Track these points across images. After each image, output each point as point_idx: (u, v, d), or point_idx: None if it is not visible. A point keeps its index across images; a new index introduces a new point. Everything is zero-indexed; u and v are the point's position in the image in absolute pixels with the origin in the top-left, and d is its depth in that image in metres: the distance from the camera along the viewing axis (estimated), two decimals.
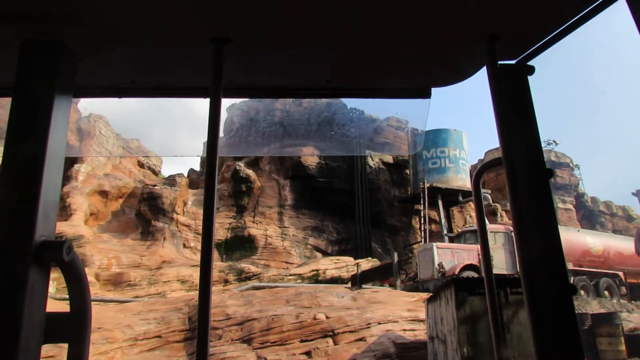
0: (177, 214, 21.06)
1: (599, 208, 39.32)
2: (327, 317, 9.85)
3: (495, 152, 33.71)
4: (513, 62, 1.55)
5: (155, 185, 21.73)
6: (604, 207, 39.91)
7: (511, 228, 17.99)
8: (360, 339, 9.46)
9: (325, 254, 22.34)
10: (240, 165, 23.10)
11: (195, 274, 15.98)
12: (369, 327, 9.68)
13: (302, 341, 9.39)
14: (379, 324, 9.89)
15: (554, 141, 43.67)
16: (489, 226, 18.33)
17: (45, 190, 1.07)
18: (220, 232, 21.65)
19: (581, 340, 1.23)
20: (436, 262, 16.72)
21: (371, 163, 24.76)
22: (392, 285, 16.60)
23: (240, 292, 12.62)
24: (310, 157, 22.67)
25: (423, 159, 23.55)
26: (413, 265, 15.99)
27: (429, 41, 1.49)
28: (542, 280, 1.25)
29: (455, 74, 1.70)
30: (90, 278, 14.68)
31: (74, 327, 1.03)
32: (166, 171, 36.65)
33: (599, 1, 1.27)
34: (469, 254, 17.48)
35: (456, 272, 16.02)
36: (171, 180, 22.37)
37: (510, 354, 8.43)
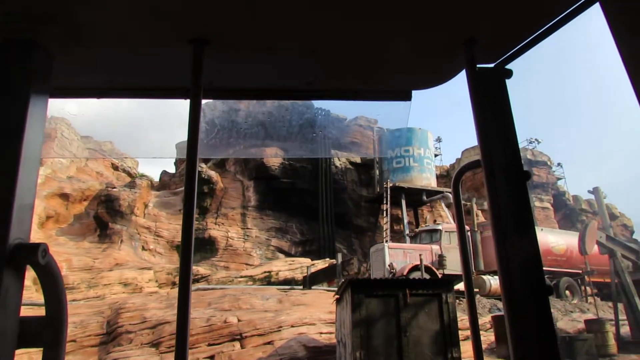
0: (136, 216, 20.90)
1: (580, 206, 38.96)
2: (238, 320, 9.66)
3: (472, 151, 33.47)
4: (491, 65, 1.58)
5: (114, 188, 21.57)
6: (587, 206, 39.54)
7: (468, 227, 17.73)
8: (269, 343, 9.27)
9: (288, 255, 22.15)
10: (203, 166, 22.93)
11: (140, 277, 15.82)
12: (279, 331, 9.48)
13: (209, 345, 9.20)
14: (292, 327, 9.69)
15: (535, 140, 43.44)
16: (445, 225, 18.10)
17: (20, 192, 1.06)
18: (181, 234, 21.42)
19: (557, 341, 1.25)
20: (387, 262, 16.51)
21: (337, 163, 24.56)
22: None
23: (167, 295, 12.44)
24: (273, 157, 22.48)
25: (388, 158, 23.35)
26: (354, 266, 15.77)
27: (409, 45, 1.51)
28: (520, 281, 1.27)
29: (435, 77, 1.72)
30: (28, 282, 14.53)
31: (49, 331, 1.02)
32: (145, 173, 36.43)
33: (574, 6, 1.30)
34: (421, 254, 17.26)
35: (404, 273, 15.82)
36: (131, 183, 22.21)
37: (407, 358, 8.22)
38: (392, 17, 1.37)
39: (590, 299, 18.35)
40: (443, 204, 23.07)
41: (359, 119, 26.40)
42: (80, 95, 1.66)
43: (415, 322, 8.33)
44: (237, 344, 9.17)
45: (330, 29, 1.43)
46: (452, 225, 18.99)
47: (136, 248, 20.25)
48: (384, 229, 21.29)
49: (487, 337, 12.41)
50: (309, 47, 1.50)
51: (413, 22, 1.40)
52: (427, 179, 23.08)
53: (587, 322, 12.65)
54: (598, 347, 12.04)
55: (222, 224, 21.98)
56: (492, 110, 1.45)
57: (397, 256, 16.81)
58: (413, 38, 1.48)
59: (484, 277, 17.42)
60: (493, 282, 17.24)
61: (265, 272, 17.64)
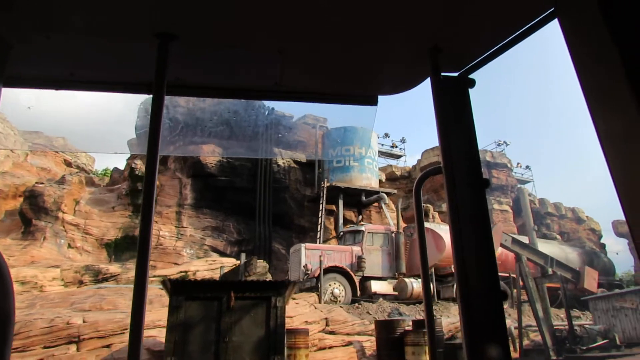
0: (64, 212, 20.39)
1: (547, 209, 38.58)
2: (83, 322, 9.18)
3: (431, 152, 33.06)
4: (455, 74, 1.61)
5: (41, 183, 21.07)
6: (553, 209, 39.19)
7: (392, 229, 17.28)
8: (107, 346, 8.79)
9: (223, 254, 21.68)
10: (137, 163, 22.45)
11: (42, 275, 15.31)
12: (123, 333, 9.00)
13: (45, 347, 8.71)
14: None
15: (504, 142, 43.04)
16: (368, 226, 17.66)
17: None
18: (111, 232, 20.98)
19: (509, 345, 1.27)
20: (302, 263, 16.06)
21: (280, 162, 24.08)
22: None
23: (45, 293, 11.96)
24: (210, 156, 22.01)
25: (328, 156, 22.90)
26: (254, 267, 15.30)
27: (375, 50, 1.54)
28: (475, 286, 1.30)
29: (401, 83, 1.76)
30: None
31: None
32: (107, 168, 36.11)
33: (534, 21, 1.36)
34: (340, 255, 16.79)
35: (316, 275, 15.36)
36: (61, 179, 21.72)
37: None
38: (358, 22, 1.39)
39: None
40: (384, 206, 22.62)
41: (307, 117, 25.92)
42: (37, 86, 1.60)
43: (238, 327, 7.85)
44: (73, 347, 8.68)
45: (297, 30, 1.43)
46: (376, 226, 18.56)
47: (61, 246, 19.74)
48: (318, 229, 20.84)
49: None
50: (276, 47, 1.50)
51: (378, 29, 1.43)
52: (367, 179, 22.63)
53: None
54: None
55: (156, 222, 21.46)
56: (455, 119, 1.48)
57: (314, 257, 16.36)
58: (378, 44, 1.51)
59: (407, 280, 16.98)
60: (415, 285, 16.80)
61: (181, 271, 17.17)
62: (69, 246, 20.01)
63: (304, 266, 15.91)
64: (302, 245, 16.49)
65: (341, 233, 18.56)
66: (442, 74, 1.53)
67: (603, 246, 40.38)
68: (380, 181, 28.82)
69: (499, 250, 19.83)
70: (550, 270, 13.32)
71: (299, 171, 24.70)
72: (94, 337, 8.84)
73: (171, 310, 7.65)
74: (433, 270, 16.47)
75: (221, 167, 22.60)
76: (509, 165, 34.13)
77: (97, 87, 1.65)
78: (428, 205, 31.84)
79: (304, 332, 9.01)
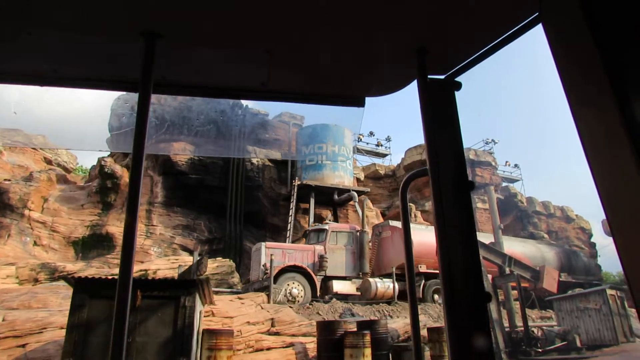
0: (30, 210, 20.14)
1: (535, 208, 38.09)
2: (2, 320, 8.88)
3: (414, 150, 32.67)
4: (442, 77, 1.64)
5: (8, 180, 20.82)
6: (541, 208, 38.69)
7: (357, 227, 16.93)
8: (23, 345, 8.49)
9: (193, 253, 21.38)
10: (106, 160, 22.18)
11: (0, 272, 15.06)
12: (41, 332, 8.70)
13: None
14: (62, 328, 8.89)
15: (492, 140, 42.55)
16: (332, 225, 17.32)
17: None
18: (79, 230, 20.70)
19: (492, 346, 1.41)
20: (262, 262, 15.75)
21: (254, 160, 23.76)
22: None
23: None
24: (182, 154, 21.72)
25: (302, 154, 22.57)
26: (204, 266, 14.94)
27: (362, 52, 1.58)
28: (460, 287, 1.33)
29: (389, 85, 1.77)
30: None
31: None
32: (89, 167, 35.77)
33: (519, 25, 1.41)
34: (302, 254, 16.46)
35: (273, 274, 15.03)
36: (29, 176, 21.46)
37: None
38: (345, 24, 1.40)
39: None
40: (356, 204, 22.26)
41: (282, 115, 25.63)
42: (20, 82, 1.59)
43: (143, 327, 7.51)
44: None
45: (285, 31, 1.44)
46: (340, 225, 18.21)
47: (26, 243, 19.48)
48: (288, 228, 20.51)
49: None
50: (263, 47, 1.50)
51: (366, 31, 1.44)
52: (340, 178, 22.27)
53: (429, 330, 11.84)
54: (435, 357, 11.25)
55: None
56: (441, 121, 1.49)
57: (274, 256, 16.01)
58: (366, 46, 1.52)
59: (371, 280, 16.63)
60: (380, 285, 16.46)
61: (141, 270, 16.86)
62: (35, 244, 19.74)
63: (263, 265, 15.59)
64: (263, 244, 16.17)
65: (306, 232, 18.21)
66: (429, 76, 1.54)
67: (593, 245, 39.89)
68: (358, 179, 28.47)
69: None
70: (507, 270, 12.95)
71: (273, 169, 24.38)
72: (9, 337, 8.53)
73: (73, 309, 7.33)
74: (394, 269, 16.11)
75: (192, 165, 22.30)
76: (493, 163, 33.70)
77: (82, 85, 1.64)
78: (410, 204, 31.49)
79: (227, 333, 8.68)
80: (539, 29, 1.34)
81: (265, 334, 11.57)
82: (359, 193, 22.64)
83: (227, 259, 19.14)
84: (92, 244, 20.37)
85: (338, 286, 16.25)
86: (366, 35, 1.48)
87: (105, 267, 18.44)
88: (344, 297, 16.41)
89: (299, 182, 21.39)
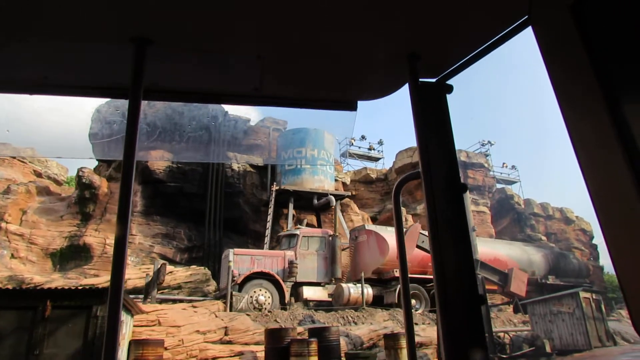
0: (7, 222, 20.11)
1: (532, 210, 37.31)
2: None
3: (404, 153, 32.22)
4: (433, 80, 1.65)
5: None
6: (539, 209, 37.90)
7: (329, 232, 16.58)
8: None
9: (172, 262, 21.15)
10: (84, 171, 22.13)
11: None
12: None
13: None
14: None
15: (488, 142, 41.88)
16: (303, 230, 17.00)
17: None
18: (57, 241, 20.61)
19: (487, 350, 1.46)
20: (231, 269, 15.48)
21: (235, 166, 23.54)
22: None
23: None
24: (160, 161, 21.59)
25: (281, 159, 22.30)
26: (163, 273, 14.66)
27: (354, 56, 1.58)
28: (454, 290, 1.32)
29: (380, 89, 1.79)
30: None
31: None
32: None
33: (509, 28, 1.42)
34: (272, 260, 16.15)
35: (238, 282, 14.75)
36: (6, 189, 21.47)
37: None
38: (336, 28, 1.42)
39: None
40: (338, 209, 21.91)
41: (266, 120, 25.44)
42: (10, 90, 1.59)
43: (52, 338, 7.25)
44: None
45: (276, 36, 1.45)
46: (312, 230, 17.87)
47: (3, 256, 19.42)
48: (266, 234, 20.21)
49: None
50: (255, 52, 1.50)
51: (357, 35, 1.46)
52: (320, 182, 21.94)
53: (385, 336, 11.43)
54: None
55: (104, 230, 21.07)
56: (433, 124, 1.51)
57: (243, 263, 15.77)
58: (357, 50, 1.54)
59: (344, 285, 16.26)
60: (353, 290, 16.07)
61: (107, 281, 16.63)
62: (12, 256, 19.68)
63: (231, 272, 15.32)
64: (231, 250, 15.89)
65: (279, 237, 17.90)
66: (420, 79, 1.55)
67: (595, 247, 38.96)
68: (344, 184, 28.11)
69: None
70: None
71: (255, 175, 24.13)
72: None
73: None
74: (362, 275, 15.70)
75: (171, 173, 22.15)
76: (486, 165, 33.09)
77: (72, 92, 1.62)
78: (401, 207, 30.97)
79: (155, 343, 8.38)
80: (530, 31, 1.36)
81: (217, 342, 11.26)
82: (340, 197, 22.29)
83: (202, 267, 18.89)
84: (69, 256, 20.25)
85: (309, 292, 15.90)
86: (358, 41, 1.48)
87: (81, 278, 18.31)
88: (315, 303, 16.05)
89: (276, 188, 21.10)
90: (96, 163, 25.77)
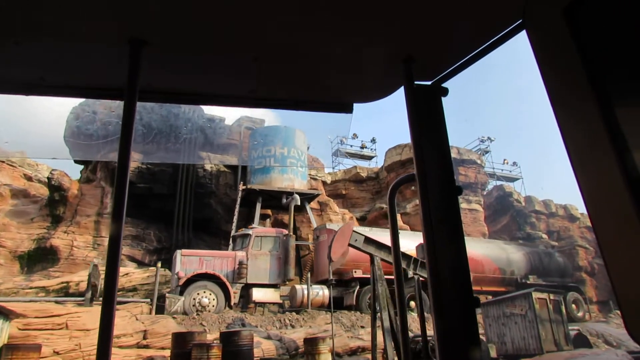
0: None
1: (534, 207, 35.83)
2: None
3: (393, 151, 31.36)
4: (429, 83, 1.67)
5: None
6: (541, 207, 36.37)
7: (284, 231, 15.99)
8: None
9: (141, 264, 20.93)
10: (53, 173, 22.09)
11: None
12: None
13: None
14: None
15: (488, 138, 40.50)
16: (256, 229, 16.46)
17: None
18: (26, 244, 20.60)
19: (481, 352, 1.85)
20: (177, 270, 15.07)
21: (207, 166, 23.16)
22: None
23: None
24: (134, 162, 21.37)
25: (251, 158, 21.80)
26: (95, 273, 14.24)
27: (349, 59, 1.58)
28: (449, 292, 1.33)
29: (376, 92, 1.81)
30: None
31: None
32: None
33: (503, 32, 1.43)
34: (222, 261, 15.65)
35: (180, 283, 14.30)
36: None
37: None
38: (332, 31, 1.42)
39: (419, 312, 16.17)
40: (309, 208, 21.28)
41: (242, 119, 25.00)
42: (6, 91, 1.59)
43: None
44: None
45: (272, 38, 1.44)
46: (265, 229, 17.29)
47: None
48: (231, 235, 19.71)
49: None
50: (251, 54, 1.50)
51: (353, 38, 1.45)
52: (289, 180, 21.32)
53: (305, 340, 10.75)
54: None
55: (73, 232, 20.97)
56: (428, 127, 1.52)
57: (191, 264, 15.30)
58: (353, 53, 1.53)
59: (298, 287, 15.65)
60: (307, 293, 15.42)
61: (62, 282, 16.46)
62: None
63: (176, 273, 14.89)
64: (179, 251, 15.47)
65: (234, 237, 17.38)
66: (416, 82, 1.55)
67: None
68: (324, 183, 27.44)
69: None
70: (410, 273, 11.70)
71: (230, 175, 23.69)
72: None
73: None
74: (308, 275, 15.04)
75: (140, 174, 21.90)
76: (478, 161, 31.93)
77: (68, 93, 1.62)
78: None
79: (30, 348, 7.95)
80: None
81: (132, 347, 10.80)
82: (310, 196, 21.65)
83: (163, 269, 18.52)
84: (37, 258, 20.20)
85: (258, 294, 15.32)
86: (354, 44, 1.47)
87: (44, 280, 18.18)
88: (266, 305, 15.48)
89: (243, 187, 20.61)
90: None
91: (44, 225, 21.57)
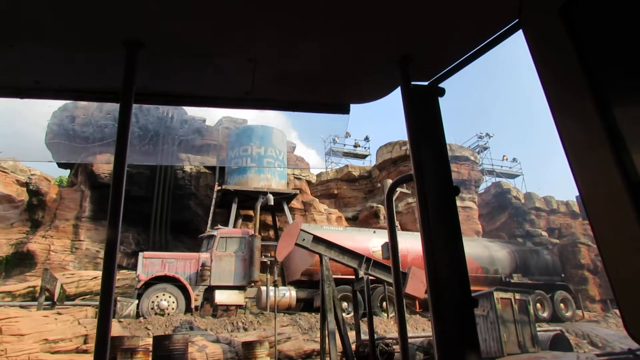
0: None
1: (534, 204, 34.80)
2: None
3: (384, 149, 30.76)
4: (425, 83, 1.66)
5: None
6: (542, 203, 35.33)
7: (250, 232, 15.59)
8: None
9: (119, 267, 20.73)
10: (31, 177, 22.06)
11: None
12: None
13: None
14: None
15: (486, 134, 39.53)
16: (221, 230, 16.09)
17: None
18: (4, 249, 20.57)
19: (480, 352, 1.34)
20: (138, 272, 14.79)
21: (187, 168, 22.91)
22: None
23: None
24: (104, 164, 21.26)
25: (229, 159, 21.46)
26: (48, 277, 13.97)
27: (346, 60, 1.58)
28: (447, 292, 1.34)
29: (373, 92, 1.80)
30: None
31: None
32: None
33: (500, 32, 1.43)
34: (185, 263, 15.31)
35: (138, 286, 14.01)
36: None
37: None
38: (328, 33, 1.41)
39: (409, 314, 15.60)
40: (286, 208, 20.86)
41: (223, 120, 24.72)
42: (2, 94, 1.56)
43: None
44: None
45: (269, 40, 1.44)
46: (231, 230, 16.91)
47: None
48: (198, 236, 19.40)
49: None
50: (247, 56, 1.50)
51: (349, 39, 1.45)
52: (266, 180, 20.91)
53: (243, 344, 10.31)
54: None
55: (51, 236, 20.89)
56: (425, 127, 1.51)
57: (153, 266, 15.00)
58: (349, 54, 1.53)
59: (263, 288, 15.24)
60: (272, 294, 15.00)
61: (29, 287, 16.31)
62: None
63: (137, 276, 14.61)
64: (141, 254, 15.18)
65: (201, 239, 17.04)
66: (413, 83, 1.54)
67: None
68: (309, 182, 26.98)
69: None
70: (361, 273, 11.20)
71: (210, 176, 23.38)
72: None
73: None
74: (268, 277, 14.60)
75: None
76: (472, 157, 31.13)
77: (63, 96, 1.62)
78: (379, 205, 29.61)
79: None
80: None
81: (71, 352, 10.51)
82: (288, 195, 21.23)
83: (133, 271, 18.29)
84: (14, 263, 20.16)
85: (221, 296, 14.94)
86: (350, 45, 1.46)
87: (10, 285, 18.10)
88: (229, 308, 15.09)
89: (218, 188, 20.29)
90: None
91: (23, 230, 21.56)
